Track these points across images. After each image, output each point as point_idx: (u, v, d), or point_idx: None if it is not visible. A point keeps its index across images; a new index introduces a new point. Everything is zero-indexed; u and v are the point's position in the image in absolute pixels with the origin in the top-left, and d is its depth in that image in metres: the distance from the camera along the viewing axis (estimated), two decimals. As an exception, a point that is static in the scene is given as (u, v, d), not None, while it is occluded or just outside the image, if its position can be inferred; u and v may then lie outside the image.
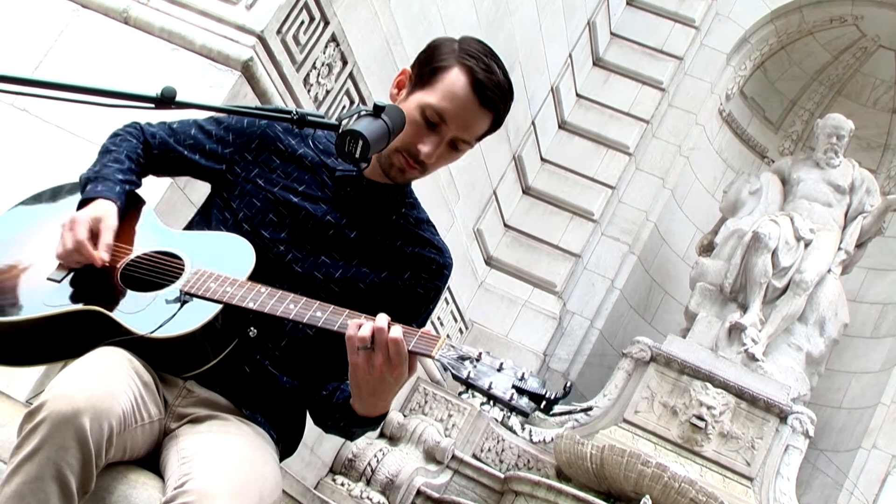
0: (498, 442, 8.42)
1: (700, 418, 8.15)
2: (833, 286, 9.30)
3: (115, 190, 2.30)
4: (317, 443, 7.00)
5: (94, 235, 2.20)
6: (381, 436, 7.93)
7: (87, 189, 2.31)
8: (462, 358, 1.90)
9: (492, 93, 2.27)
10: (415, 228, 2.42)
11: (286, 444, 2.37)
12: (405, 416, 8.12)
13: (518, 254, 9.69)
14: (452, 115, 2.26)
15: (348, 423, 2.26)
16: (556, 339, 9.56)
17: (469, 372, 1.87)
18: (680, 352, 8.59)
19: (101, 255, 2.18)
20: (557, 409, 1.85)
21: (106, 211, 2.24)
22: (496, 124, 2.34)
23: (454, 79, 2.27)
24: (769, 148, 11.11)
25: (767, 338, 8.93)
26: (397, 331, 1.97)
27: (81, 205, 2.28)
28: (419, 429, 7.90)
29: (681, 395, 8.35)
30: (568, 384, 1.89)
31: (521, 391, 1.84)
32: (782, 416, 8.26)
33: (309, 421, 2.42)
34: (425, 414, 8.22)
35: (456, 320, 8.84)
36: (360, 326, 1.99)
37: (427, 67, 2.32)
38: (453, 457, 7.91)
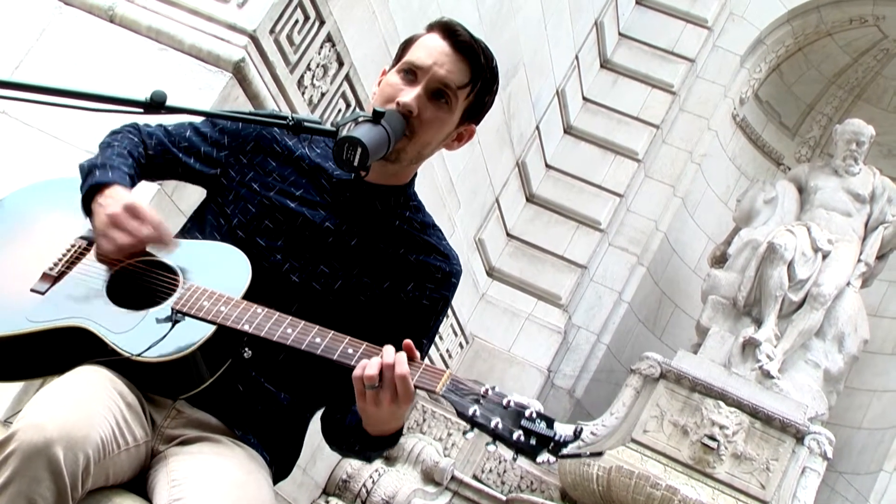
0: (500, 462, 8.40)
1: (712, 438, 8.13)
2: (852, 300, 9.29)
3: (126, 180, 2.28)
4: (310, 462, 6.99)
5: (140, 219, 2.19)
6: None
7: (96, 174, 2.26)
8: (467, 394, 1.91)
9: (464, 38, 2.32)
10: (419, 234, 2.40)
11: (280, 467, 2.35)
12: (402, 434, 8.10)
13: (521, 265, 9.68)
14: (428, 60, 2.30)
15: (363, 447, 2.27)
16: (560, 355, 9.55)
17: (475, 410, 1.88)
18: (691, 368, 8.57)
19: (165, 232, 2.20)
20: (566, 451, 1.84)
21: (131, 197, 2.22)
22: (476, 81, 2.33)
23: (425, 38, 2.37)
24: (785, 155, 11.10)
25: (783, 354, 8.91)
26: (404, 365, 1.97)
27: (90, 192, 2.24)
28: (417, 448, 7.89)
29: (692, 413, 8.33)
30: (579, 428, 1.89)
31: (528, 432, 1.84)
32: (799, 437, 8.23)
33: (306, 439, 2.41)
34: (423, 433, 8.21)
35: (456, 334, 8.83)
36: (365, 366, 1.99)
37: (399, 50, 2.42)
38: (453, 478, 7.90)
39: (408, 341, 2.02)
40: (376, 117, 2.13)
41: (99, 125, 2.56)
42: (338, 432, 2.32)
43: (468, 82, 2.32)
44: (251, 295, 2.12)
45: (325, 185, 2.37)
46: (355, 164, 2.05)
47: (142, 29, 4.71)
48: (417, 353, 2.03)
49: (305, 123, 2.09)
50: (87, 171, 2.31)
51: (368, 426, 2.15)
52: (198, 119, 2.46)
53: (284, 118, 2.09)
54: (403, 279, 2.35)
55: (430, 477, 7.80)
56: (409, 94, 2.28)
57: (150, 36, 4.70)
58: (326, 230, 2.33)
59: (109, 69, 4.60)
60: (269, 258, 2.29)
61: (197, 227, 2.41)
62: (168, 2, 4.78)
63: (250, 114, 2.14)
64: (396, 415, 2.07)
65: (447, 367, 8.62)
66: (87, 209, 2.26)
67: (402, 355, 2.00)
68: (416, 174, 2.45)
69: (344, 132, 2.09)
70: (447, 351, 8.70)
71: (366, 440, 2.21)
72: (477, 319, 9.34)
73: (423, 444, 7.94)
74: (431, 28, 2.37)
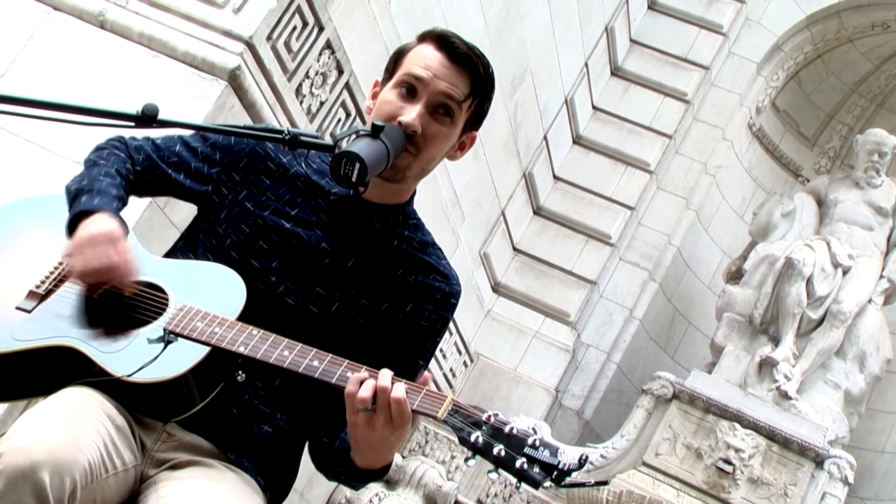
0: (505, 486, 8.40)
1: (727, 462, 8.12)
2: (874, 318, 9.28)
3: (113, 205, 2.28)
4: (307, 487, 6.99)
5: (119, 251, 2.18)
6: (378, 479, 7.91)
7: (83, 200, 2.27)
8: (470, 420, 1.92)
9: (460, 48, 2.33)
10: (418, 253, 2.42)
11: (275, 492, 2.36)
12: (404, 457, 8.11)
13: (528, 280, 9.69)
14: (426, 73, 2.31)
15: (349, 477, 2.27)
16: (569, 374, 9.55)
17: (478, 437, 1.90)
18: (705, 388, 8.56)
19: (131, 274, 2.18)
20: (570, 480, 1.86)
21: (115, 226, 2.22)
22: (477, 92, 2.36)
23: (419, 49, 2.37)
24: (804, 166, 11.11)
25: (801, 374, 8.90)
26: (400, 390, 1.98)
27: (76, 218, 2.25)
28: (419, 471, 7.89)
29: (706, 436, 8.33)
30: (584, 456, 1.91)
31: (532, 460, 1.86)
32: (818, 461, 8.22)
33: (302, 464, 2.42)
34: (426, 455, 8.21)
35: (460, 353, 8.83)
36: (360, 383, 2.00)
37: (391, 62, 2.42)
38: (456, 502, 7.89)
39: (427, 375, 2.04)
40: (375, 131, 2.14)
41: (88, 136, 2.56)
42: (325, 457, 2.34)
43: (469, 93, 2.34)
44: (246, 318, 2.13)
45: (321, 204, 2.38)
46: (353, 179, 2.06)
47: (133, 35, 4.72)
48: (428, 376, 2.04)
49: (302, 138, 2.09)
50: (73, 194, 2.32)
51: (357, 454, 2.15)
52: (188, 132, 2.47)
53: (280, 132, 2.10)
54: (402, 300, 2.37)
55: (432, 501, 7.79)
56: (412, 113, 2.28)
57: (143, 42, 4.71)
58: (322, 251, 2.34)
59: (100, 77, 4.62)
60: (263, 280, 2.30)
61: (189, 246, 2.42)
62: (161, 7, 4.80)
63: (245, 127, 2.14)
64: (389, 442, 2.06)
65: (451, 386, 8.62)
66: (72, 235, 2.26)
67: (399, 381, 2.01)
68: (415, 191, 2.46)
69: (342, 146, 2.09)
70: (451, 370, 8.71)
71: (352, 471, 2.22)
72: (482, 337, 9.35)
73: (425, 466, 7.93)
74: (424, 39, 2.38)
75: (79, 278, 2.20)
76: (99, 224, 2.21)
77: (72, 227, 2.25)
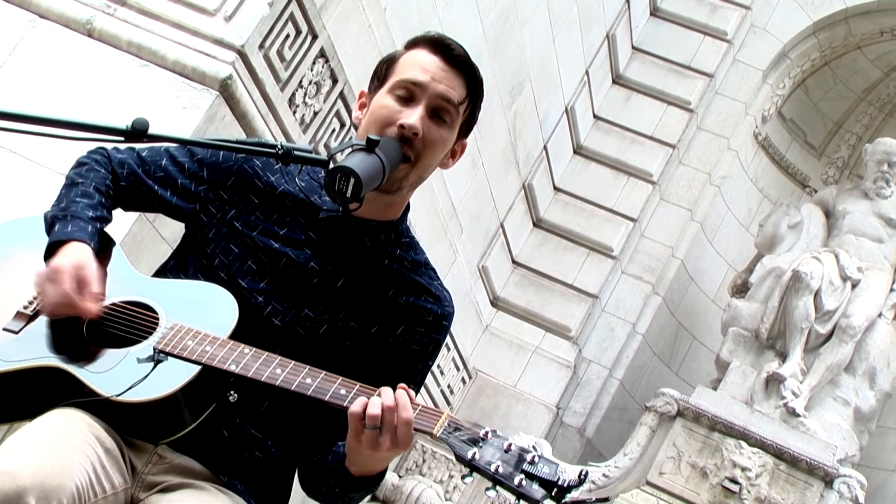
0: (504, 507, 8.39)
1: (734, 481, 8.12)
2: (884, 332, 9.29)
3: (87, 230, 2.29)
4: (300, 508, 6.98)
5: (80, 284, 2.18)
6: (374, 499, 7.91)
7: (56, 229, 2.29)
8: (466, 436, 1.93)
9: (456, 51, 2.35)
10: (410, 273, 2.41)
11: (268, 515, 2.37)
12: (400, 476, 8.11)
13: (528, 294, 9.69)
14: (423, 77, 2.32)
15: (344, 488, 2.27)
16: (570, 391, 9.55)
17: (474, 453, 1.90)
18: (710, 405, 8.57)
19: (91, 306, 2.17)
20: (570, 497, 1.86)
21: (85, 256, 2.23)
22: (473, 95, 2.38)
23: (412, 54, 2.38)
24: (811, 176, 11.13)
25: (810, 390, 8.91)
26: (408, 410, 1.99)
27: (51, 248, 2.26)
28: (416, 491, 7.89)
29: (712, 454, 8.33)
30: (584, 472, 1.91)
31: (530, 476, 1.86)
32: (827, 480, 8.22)
33: (294, 486, 2.42)
34: (423, 474, 8.20)
35: (458, 369, 8.83)
36: (365, 406, 2.00)
37: (382, 68, 2.41)
38: (454, 523, 7.89)
39: (403, 386, 2.04)
40: (370, 146, 2.14)
41: (75, 148, 2.56)
42: (317, 475, 2.33)
43: (466, 96, 2.35)
44: (234, 338, 2.13)
45: (310, 223, 2.38)
46: (348, 195, 2.06)
47: (122, 44, 4.72)
48: (413, 393, 2.04)
49: (296, 152, 2.09)
50: (49, 223, 2.33)
51: (353, 466, 2.16)
52: (175, 145, 2.47)
53: (274, 147, 2.10)
54: (393, 322, 2.37)
55: (430, 523, 7.80)
56: (412, 115, 2.28)
57: (132, 51, 4.71)
58: (311, 270, 2.34)
59: (87, 87, 4.61)
60: (251, 300, 2.30)
61: (179, 266, 2.42)
62: (150, 15, 4.79)
63: (238, 142, 2.14)
64: (388, 457, 2.09)
65: (448, 403, 8.62)
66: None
67: (405, 397, 2.01)
68: (408, 207, 2.46)
69: (337, 160, 2.10)
70: (448, 387, 8.70)
71: (348, 481, 2.22)
72: (480, 353, 9.34)
73: (422, 486, 7.93)
74: (417, 43, 2.39)
75: (47, 314, 2.21)
76: (65, 256, 2.22)
77: (48, 258, 2.25)
